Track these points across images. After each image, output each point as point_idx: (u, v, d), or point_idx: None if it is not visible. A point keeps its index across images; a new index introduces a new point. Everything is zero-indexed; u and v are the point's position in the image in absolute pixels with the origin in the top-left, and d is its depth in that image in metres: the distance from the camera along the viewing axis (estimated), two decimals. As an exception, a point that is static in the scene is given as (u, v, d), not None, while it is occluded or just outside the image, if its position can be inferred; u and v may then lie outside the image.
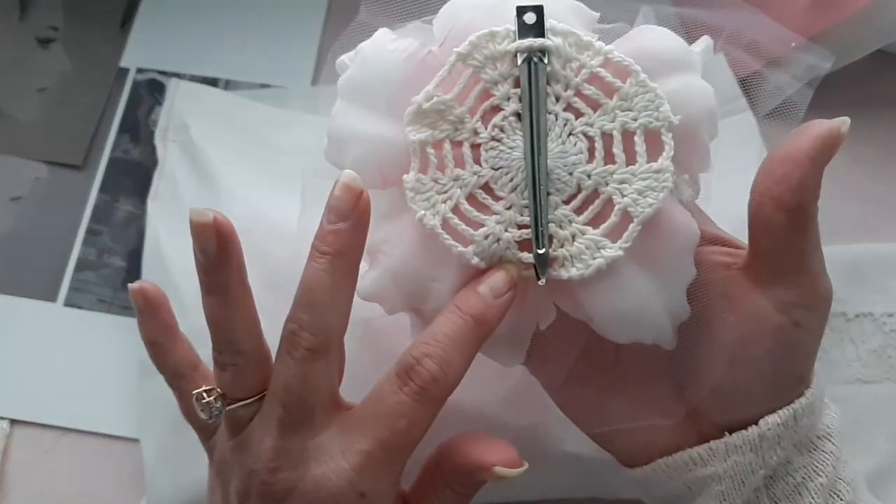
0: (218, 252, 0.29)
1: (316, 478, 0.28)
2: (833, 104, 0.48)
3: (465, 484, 0.30)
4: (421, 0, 0.32)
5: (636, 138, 0.28)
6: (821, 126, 0.28)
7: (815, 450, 0.31)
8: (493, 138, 0.28)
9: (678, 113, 0.28)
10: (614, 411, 0.32)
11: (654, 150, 0.28)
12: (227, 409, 0.30)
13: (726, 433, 0.30)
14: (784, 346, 0.30)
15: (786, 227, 0.28)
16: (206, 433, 0.33)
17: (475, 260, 0.28)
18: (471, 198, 0.28)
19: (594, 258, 0.28)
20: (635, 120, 0.28)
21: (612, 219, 0.28)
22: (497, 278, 0.28)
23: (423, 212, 0.28)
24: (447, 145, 0.28)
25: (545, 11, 0.28)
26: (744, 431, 0.30)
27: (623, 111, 0.28)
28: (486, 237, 0.28)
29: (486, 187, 0.28)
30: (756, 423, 0.30)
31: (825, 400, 0.32)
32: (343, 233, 0.28)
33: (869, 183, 0.50)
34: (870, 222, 0.49)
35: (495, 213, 0.28)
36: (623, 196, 0.28)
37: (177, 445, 0.42)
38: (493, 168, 0.28)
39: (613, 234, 0.28)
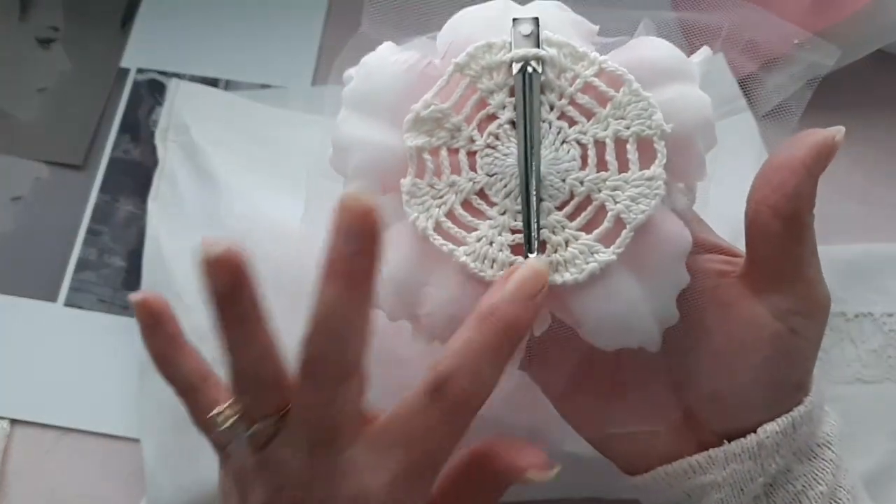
0: (232, 286, 0.26)
1: (349, 495, 0.27)
2: (833, 104, 0.48)
3: (493, 488, 0.30)
4: (421, 12, 0.32)
5: (628, 146, 0.28)
6: (816, 135, 0.29)
7: (814, 458, 0.31)
8: (488, 145, 0.29)
9: (672, 122, 0.28)
10: (614, 417, 0.32)
11: (647, 157, 0.28)
12: (250, 431, 0.28)
13: (725, 441, 0.30)
14: (781, 353, 0.30)
15: (782, 234, 0.29)
16: (219, 441, 0.31)
17: (464, 259, 0.28)
18: (466, 203, 0.29)
19: (587, 263, 0.28)
20: (628, 128, 0.28)
21: (605, 225, 0.28)
22: (525, 276, 0.27)
23: (416, 215, 0.29)
24: (444, 152, 0.29)
25: (542, 23, 0.29)
26: (742, 439, 0.30)
27: (616, 119, 0.28)
28: (479, 240, 0.29)
29: (481, 193, 0.29)
30: (755, 432, 0.30)
31: (825, 408, 0.32)
32: (354, 256, 0.26)
33: (868, 183, 0.50)
34: (870, 222, 0.49)
35: (489, 218, 0.29)
36: (616, 203, 0.28)
37: (177, 445, 0.42)
38: (487, 174, 0.29)
39: (606, 240, 0.28)
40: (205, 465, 0.41)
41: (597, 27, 0.31)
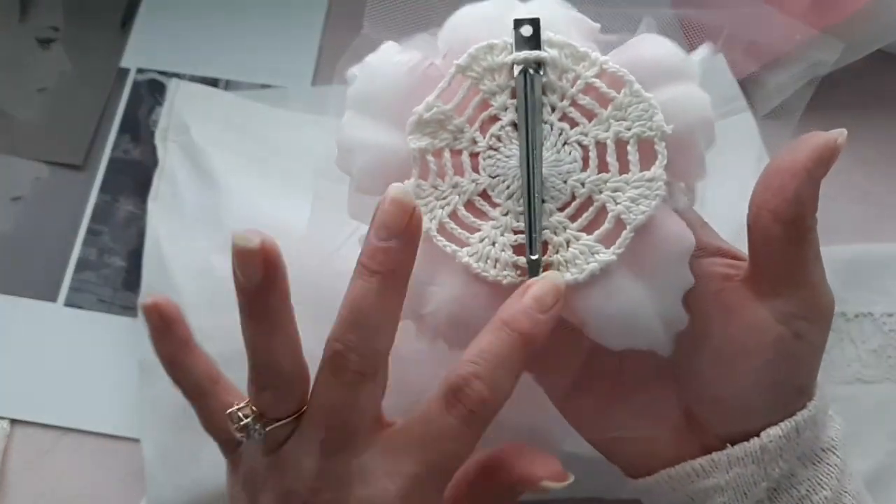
0: (264, 280, 0.27)
1: (361, 500, 0.27)
2: (833, 104, 0.48)
3: (507, 497, 0.30)
4: (422, 12, 0.32)
5: (629, 147, 0.28)
6: (818, 138, 0.28)
7: (819, 462, 0.31)
8: (490, 147, 0.29)
9: (673, 122, 0.28)
10: (616, 420, 0.32)
11: (648, 158, 0.28)
12: (267, 429, 0.28)
13: (728, 445, 0.30)
14: (784, 357, 0.29)
15: (784, 239, 0.29)
16: (229, 445, 0.32)
17: (467, 259, 0.29)
18: (469, 204, 0.29)
19: (588, 263, 0.28)
20: (629, 129, 0.28)
21: (606, 225, 0.28)
22: (543, 289, 0.27)
23: None
24: (447, 153, 0.29)
25: (544, 23, 0.29)
26: (745, 443, 0.30)
27: (617, 121, 0.28)
28: (482, 240, 0.29)
29: (484, 194, 0.29)
30: (758, 435, 0.30)
31: (830, 412, 0.32)
32: (394, 251, 0.27)
33: (869, 183, 0.50)
34: (870, 222, 0.49)
35: (492, 219, 0.29)
36: (616, 203, 0.28)
37: (177, 445, 0.42)
38: (490, 176, 0.29)
39: (607, 241, 0.28)
40: (205, 465, 0.41)
41: (598, 25, 0.31)
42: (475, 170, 0.29)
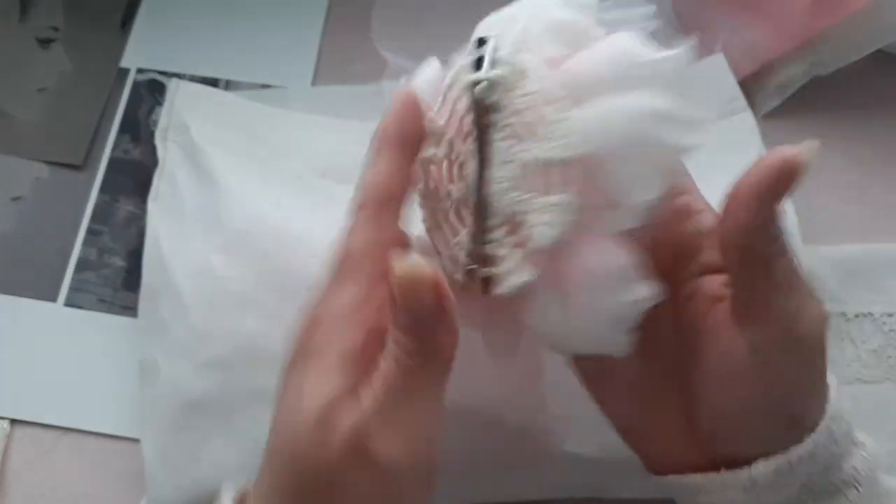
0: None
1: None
2: (833, 104, 0.48)
3: (406, 328, 0.27)
4: (426, 26, 0.33)
5: (553, 169, 0.28)
6: (773, 157, 0.26)
7: (834, 495, 0.29)
8: (462, 162, 0.30)
9: (601, 140, 0.27)
10: (636, 411, 0.32)
11: (568, 180, 0.28)
12: None
13: (723, 468, 0.29)
14: (760, 387, 0.28)
15: (745, 266, 0.27)
16: None
17: (442, 262, 0.30)
18: (456, 210, 0.30)
19: (510, 280, 0.29)
20: (549, 151, 0.28)
21: (529, 245, 0.28)
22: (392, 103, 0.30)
23: (421, 218, 0.31)
24: (445, 163, 0.30)
25: (523, 33, 0.29)
26: (738, 471, 0.29)
27: (544, 140, 0.28)
28: (456, 244, 0.30)
29: (465, 203, 0.30)
30: (749, 464, 0.29)
31: (858, 439, 0.30)
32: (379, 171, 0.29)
33: (867, 183, 0.50)
34: (868, 222, 0.49)
35: (466, 227, 0.30)
36: (533, 225, 0.28)
37: (177, 445, 0.42)
38: (465, 187, 0.30)
39: (529, 260, 0.28)
40: (205, 465, 0.41)
41: (591, 22, 0.30)
42: (461, 180, 0.30)
